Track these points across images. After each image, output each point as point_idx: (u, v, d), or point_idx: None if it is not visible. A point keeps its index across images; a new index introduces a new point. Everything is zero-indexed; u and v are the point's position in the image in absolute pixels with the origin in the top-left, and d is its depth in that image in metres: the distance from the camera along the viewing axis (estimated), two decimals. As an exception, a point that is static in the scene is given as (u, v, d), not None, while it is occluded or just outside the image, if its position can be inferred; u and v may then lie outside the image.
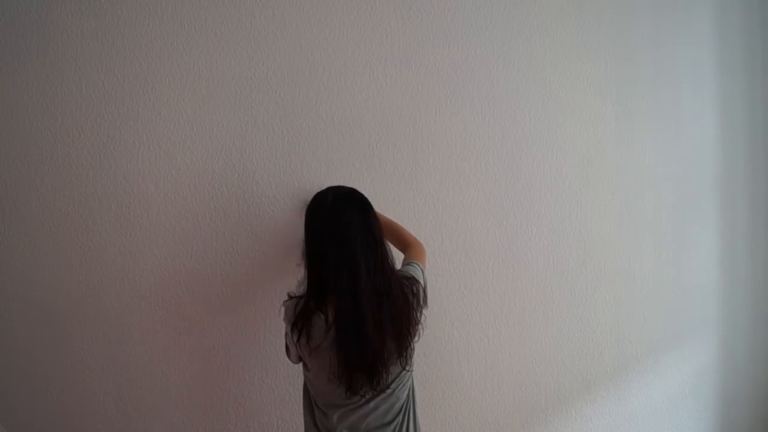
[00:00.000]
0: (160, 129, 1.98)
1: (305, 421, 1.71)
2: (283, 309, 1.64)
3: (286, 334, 1.68)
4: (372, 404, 1.59)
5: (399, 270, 1.67)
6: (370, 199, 1.66)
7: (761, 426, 2.35)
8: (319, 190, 1.69)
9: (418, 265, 1.71)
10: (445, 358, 2.13)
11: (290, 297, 1.63)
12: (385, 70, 2.08)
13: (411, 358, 1.61)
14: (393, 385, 1.59)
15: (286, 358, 1.75)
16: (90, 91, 1.95)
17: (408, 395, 1.66)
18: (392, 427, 1.62)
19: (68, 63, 1.94)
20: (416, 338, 1.60)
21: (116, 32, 1.95)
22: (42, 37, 1.92)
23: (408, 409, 1.66)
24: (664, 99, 2.26)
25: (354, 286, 1.48)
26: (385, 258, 1.56)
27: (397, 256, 1.81)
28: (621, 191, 2.23)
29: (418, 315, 1.61)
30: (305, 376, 1.69)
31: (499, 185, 2.15)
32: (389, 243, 1.68)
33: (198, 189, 2.00)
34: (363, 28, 2.06)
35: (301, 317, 1.54)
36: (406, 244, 1.85)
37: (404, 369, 1.61)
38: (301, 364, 1.71)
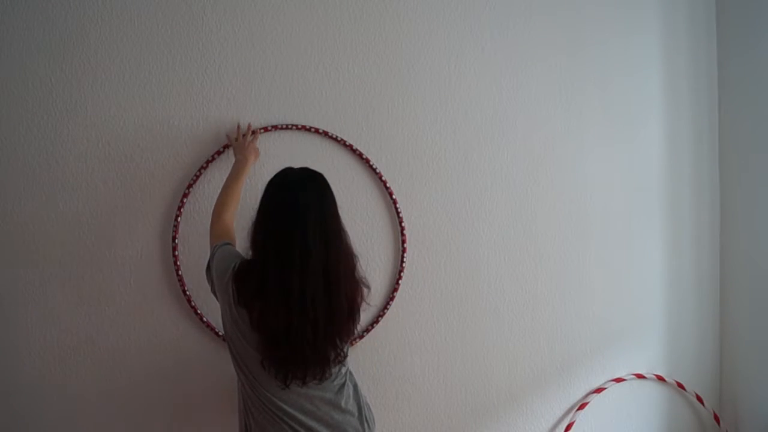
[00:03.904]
0: (110, 126, 1.96)
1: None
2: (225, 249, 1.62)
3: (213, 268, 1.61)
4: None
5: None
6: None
7: (706, 418, 2.42)
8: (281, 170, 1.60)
9: None
10: (397, 355, 2.15)
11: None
12: (338, 68, 2.08)
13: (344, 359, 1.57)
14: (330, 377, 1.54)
15: None
16: (36, 87, 1.92)
17: (345, 379, 1.61)
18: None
19: (13, 57, 1.91)
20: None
21: (63, 27, 1.92)
22: (-15, 30, 1.89)
23: (346, 385, 1.60)
24: (612, 97, 2.30)
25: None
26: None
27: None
28: (570, 190, 2.27)
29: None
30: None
31: (451, 184, 2.18)
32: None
33: (148, 187, 1.99)
34: (316, 26, 2.07)
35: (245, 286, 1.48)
36: None
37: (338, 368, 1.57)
38: None
